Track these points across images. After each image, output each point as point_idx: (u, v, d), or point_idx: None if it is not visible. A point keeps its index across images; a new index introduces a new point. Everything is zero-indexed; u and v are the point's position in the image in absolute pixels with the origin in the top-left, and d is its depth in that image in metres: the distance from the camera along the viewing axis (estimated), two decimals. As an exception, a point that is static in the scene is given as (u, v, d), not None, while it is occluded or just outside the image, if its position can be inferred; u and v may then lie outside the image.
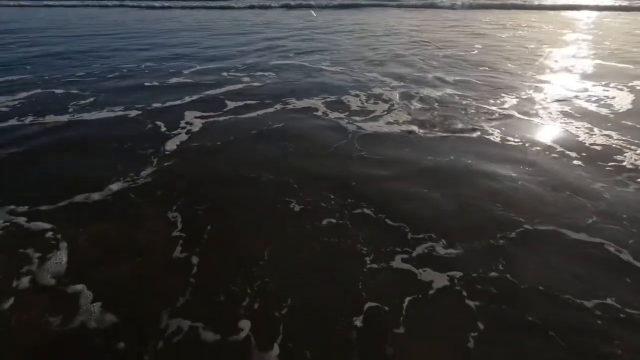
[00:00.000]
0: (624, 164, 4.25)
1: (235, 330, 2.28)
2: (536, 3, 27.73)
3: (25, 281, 2.63)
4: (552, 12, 24.03)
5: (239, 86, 7.31)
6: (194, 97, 6.59)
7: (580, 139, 4.89)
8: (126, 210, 3.44)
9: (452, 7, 28.14)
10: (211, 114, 5.83)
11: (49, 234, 3.11)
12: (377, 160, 4.39)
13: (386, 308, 2.44)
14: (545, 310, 2.42)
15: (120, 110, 5.93)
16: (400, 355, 2.17)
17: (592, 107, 6.11)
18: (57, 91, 6.91)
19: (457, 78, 7.88)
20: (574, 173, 4.03)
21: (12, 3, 38.64)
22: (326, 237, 3.08)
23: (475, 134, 5.07)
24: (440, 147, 4.72)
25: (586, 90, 7.05)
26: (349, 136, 5.02)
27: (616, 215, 3.33)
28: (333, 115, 5.82)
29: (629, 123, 5.39)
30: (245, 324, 2.31)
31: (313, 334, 2.29)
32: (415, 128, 5.29)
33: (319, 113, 5.92)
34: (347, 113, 5.88)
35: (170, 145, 4.74)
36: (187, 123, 5.45)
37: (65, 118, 5.62)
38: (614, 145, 4.69)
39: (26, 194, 3.68)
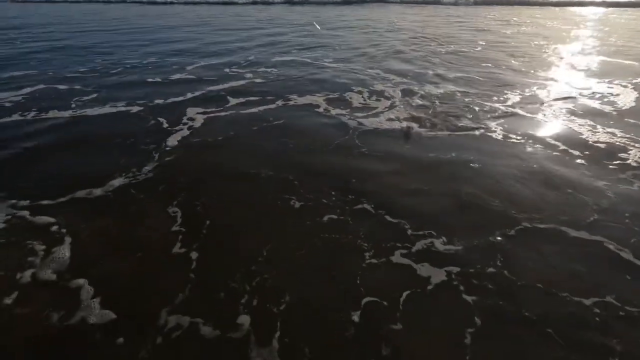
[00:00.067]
0: (628, 161, 4.22)
1: (234, 326, 2.29)
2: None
3: (26, 275, 2.66)
4: (557, 9, 23.81)
5: (241, 82, 7.31)
6: (196, 93, 6.60)
7: (584, 136, 4.86)
8: (128, 206, 3.46)
9: (456, 3, 27.94)
10: (213, 109, 5.84)
11: (51, 229, 3.14)
12: (378, 156, 4.38)
13: (385, 303, 2.45)
14: (543, 307, 2.42)
15: (122, 106, 5.95)
16: (398, 349, 2.18)
17: (596, 104, 6.07)
18: (60, 87, 6.94)
19: (459, 75, 7.84)
20: (576, 171, 4.01)
21: (15, -2, 38.70)
22: (327, 234, 3.09)
23: (477, 131, 5.05)
24: (441, 144, 4.71)
25: (590, 87, 7.00)
26: (350, 132, 5.02)
27: (618, 214, 3.31)
28: (334, 111, 5.81)
29: (633, 120, 5.35)
30: (244, 320, 2.33)
31: (312, 330, 2.30)
32: (416, 125, 5.27)
33: (321, 109, 5.91)
34: (348, 109, 5.87)
35: (172, 141, 4.76)
36: (189, 119, 5.46)
37: (68, 114, 5.64)
38: (617, 143, 4.66)
39: (28, 189, 3.70)
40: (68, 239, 3.01)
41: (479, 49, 10.50)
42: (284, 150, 4.58)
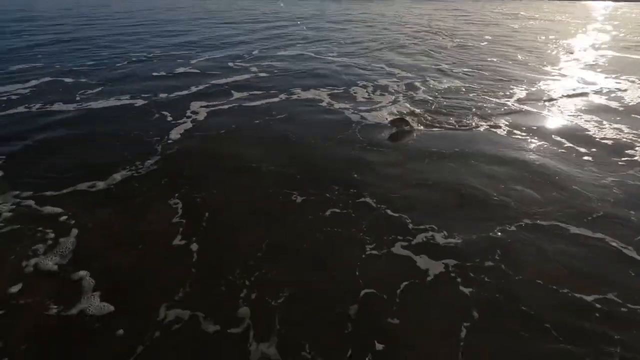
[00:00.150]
0: (635, 158, 4.18)
1: (234, 320, 2.31)
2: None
3: (29, 265, 2.70)
4: (566, 2, 23.42)
5: (245, 76, 7.31)
6: (200, 87, 6.61)
7: (590, 132, 4.81)
8: (130, 199, 3.49)
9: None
10: (216, 103, 5.85)
11: (55, 220, 3.18)
12: (380, 151, 4.38)
13: (385, 296, 2.46)
14: (542, 302, 2.42)
15: (126, 99, 5.98)
16: (395, 341, 2.19)
17: (603, 100, 5.99)
18: (66, 79, 6.99)
19: (464, 69, 7.77)
20: (582, 168, 3.97)
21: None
22: (329, 227, 3.10)
23: (481, 126, 5.02)
24: (444, 139, 4.69)
25: (597, 82, 6.91)
26: (352, 127, 5.01)
27: (624, 211, 3.29)
28: (338, 105, 5.79)
29: (640, 117, 5.29)
30: (244, 313, 2.34)
31: (312, 323, 2.32)
32: (420, 120, 5.24)
33: (324, 103, 5.90)
34: (352, 104, 5.85)
35: (175, 134, 4.78)
36: (192, 112, 5.48)
37: (73, 107, 5.69)
38: (624, 139, 4.61)
39: (33, 180, 3.75)
40: (71, 231, 3.05)
41: (485, 43, 10.38)
42: (287, 144, 4.58)
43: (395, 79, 7.11)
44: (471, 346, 2.16)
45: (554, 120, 5.24)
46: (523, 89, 6.54)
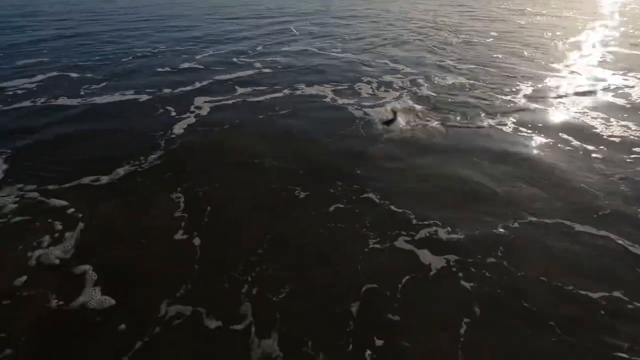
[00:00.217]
0: (643, 155, 4.14)
1: (236, 316, 2.31)
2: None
3: (32, 258, 2.72)
4: (574, -2, 23.08)
5: (249, 72, 7.29)
6: (204, 83, 6.60)
7: (597, 130, 4.76)
8: (133, 194, 3.51)
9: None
10: (220, 98, 5.85)
11: (58, 214, 3.21)
12: (384, 147, 4.36)
13: (387, 292, 2.47)
14: (546, 300, 2.41)
15: (131, 95, 5.99)
16: (396, 336, 2.20)
17: (610, 96, 5.92)
18: (72, 74, 7.01)
19: (470, 66, 7.71)
20: (589, 165, 3.93)
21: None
22: (332, 223, 3.11)
23: (486, 123, 4.98)
24: (449, 135, 4.66)
25: (604, 79, 6.82)
26: (356, 123, 4.99)
27: (631, 208, 3.26)
28: (341, 101, 5.77)
29: (648, 114, 5.22)
30: (246, 309, 2.34)
31: (314, 317, 2.33)
32: (424, 116, 5.21)
33: (328, 99, 5.88)
34: (355, 100, 5.83)
35: (179, 129, 4.79)
36: (196, 107, 5.48)
37: (77, 102, 5.71)
38: (632, 137, 4.56)
39: (36, 174, 3.78)
40: (74, 224, 3.08)
41: (491, 39, 10.28)
42: (290, 139, 4.58)
43: (399, 75, 7.07)
44: (472, 342, 2.16)
45: (560, 117, 5.19)
46: (529, 85, 6.48)
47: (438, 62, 7.96)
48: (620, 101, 5.73)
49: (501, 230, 3.00)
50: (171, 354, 2.11)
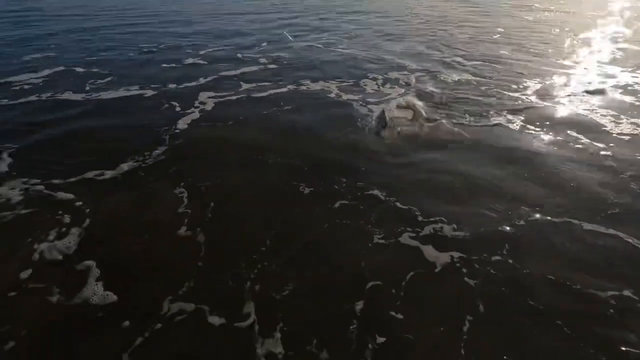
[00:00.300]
0: (655, 153, 4.07)
1: (239, 314, 2.30)
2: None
3: (35, 253, 2.73)
4: (583, -6, 22.72)
5: (254, 67, 7.27)
6: (209, 78, 6.59)
7: (607, 128, 4.68)
8: (137, 189, 3.51)
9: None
10: (224, 94, 5.84)
11: (61, 209, 3.21)
12: (388, 144, 4.33)
13: (393, 290, 2.45)
14: (552, 298, 2.38)
15: (136, 90, 5.99)
16: (400, 332, 2.18)
17: (619, 94, 5.83)
18: (78, 69, 7.02)
19: (476, 62, 7.62)
20: (598, 163, 3.87)
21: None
22: (337, 219, 3.09)
23: (493, 120, 4.93)
24: (455, 132, 4.61)
25: (614, 76, 6.72)
26: (361, 119, 4.96)
27: (642, 207, 3.20)
28: (346, 97, 5.74)
29: (658, 111, 5.14)
30: (249, 307, 2.33)
31: (317, 314, 2.32)
32: (430, 113, 5.16)
33: (332, 95, 5.84)
34: (360, 96, 5.79)
35: (183, 125, 4.79)
36: (200, 103, 5.48)
37: (83, 97, 5.72)
38: (641, 135, 4.49)
39: (40, 169, 3.79)
40: (78, 219, 3.08)
41: (498, 35, 10.15)
42: (294, 135, 4.56)
43: (405, 72, 7.00)
44: (476, 339, 2.14)
45: (568, 114, 5.12)
46: (537, 82, 6.40)
47: (444, 59, 7.88)
48: (630, 98, 5.64)
49: (507, 227, 2.96)
50: (173, 350, 2.11)
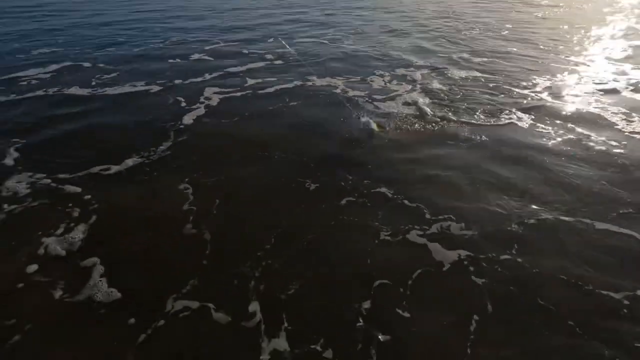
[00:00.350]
0: (668, 152, 3.98)
1: (244, 312, 2.28)
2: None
3: (40, 249, 2.72)
4: (594, -10, 22.36)
5: (260, 63, 7.23)
6: (215, 74, 6.57)
7: (619, 126, 4.59)
8: (142, 185, 3.50)
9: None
10: (230, 90, 5.81)
11: (66, 205, 3.20)
12: (394, 141, 4.28)
13: (401, 289, 2.42)
14: (563, 298, 2.34)
15: (141, 85, 5.99)
16: (407, 331, 2.16)
17: (630, 91, 5.71)
18: (85, 64, 7.04)
19: (484, 58, 7.52)
20: (610, 162, 3.79)
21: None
22: (344, 216, 3.06)
23: (502, 119, 4.85)
24: (463, 130, 4.55)
25: (625, 73, 6.60)
26: (368, 116, 4.90)
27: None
28: (353, 93, 5.69)
29: (671, 109, 5.03)
30: (254, 306, 2.31)
31: (323, 312, 2.30)
32: (436, 111, 5.10)
33: (338, 91, 5.80)
34: (367, 92, 5.74)
35: (188, 120, 4.77)
36: (206, 98, 5.46)
37: (89, 92, 5.73)
38: (654, 133, 4.39)
39: (46, 163, 3.80)
40: (83, 215, 3.08)
41: (506, 32, 10.02)
42: (300, 131, 4.53)
43: (412, 68, 6.93)
44: (484, 338, 2.11)
45: (579, 112, 5.03)
46: (546, 79, 6.30)
47: (451, 55, 7.78)
48: (642, 96, 5.53)
49: (516, 226, 2.91)
50: (178, 348, 2.10)
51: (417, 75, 6.53)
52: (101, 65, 7.01)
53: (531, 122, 4.73)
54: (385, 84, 6.15)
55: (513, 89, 5.84)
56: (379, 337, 2.14)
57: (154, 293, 2.41)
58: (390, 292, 2.40)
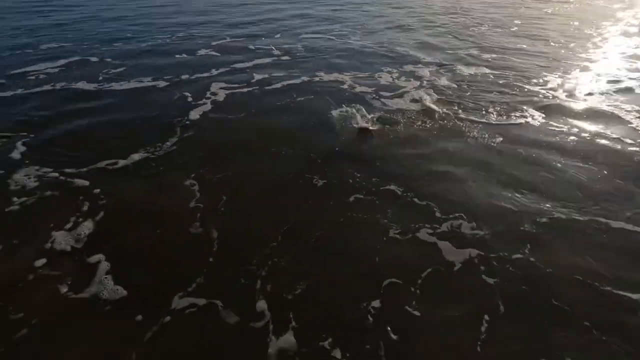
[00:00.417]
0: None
1: (252, 311, 2.25)
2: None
3: (46, 244, 2.71)
4: (605, -14, 21.98)
5: (267, 59, 7.19)
6: (221, 69, 6.54)
7: (633, 124, 4.49)
8: (148, 181, 3.48)
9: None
10: (236, 85, 5.78)
11: (72, 201, 3.19)
12: (402, 138, 4.23)
13: (407, 286, 2.38)
14: (578, 298, 2.28)
15: (148, 80, 5.98)
16: (417, 330, 2.12)
17: (644, 89, 5.61)
18: (92, 59, 7.04)
19: (493, 55, 7.41)
20: (625, 161, 3.71)
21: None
22: (353, 213, 3.02)
23: (512, 116, 4.77)
24: (473, 129, 4.47)
25: (638, 70, 6.47)
26: (376, 113, 4.85)
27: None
28: (360, 89, 5.63)
29: (686, 107, 4.92)
30: (262, 305, 2.28)
31: (332, 310, 2.27)
32: (445, 108, 5.03)
33: (346, 86, 5.75)
34: (374, 89, 5.68)
35: (195, 115, 4.75)
36: (212, 94, 5.43)
37: (96, 87, 5.73)
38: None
39: (53, 157, 3.79)
40: (89, 211, 3.06)
41: (515, 28, 9.87)
42: (307, 127, 4.49)
43: (420, 65, 6.85)
44: (495, 338, 2.08)
45: (592, 110, 4.93)
46: (557, 76, 6.19)
47: (460, 51, 7.68)
48: (656, 93, 5.42)
49: (528, 225, 2.86)
50: (183, 346, 2.08)
51: (425, 71, 6.45)
52: (108, 60, 7.01)
53: (543, 119, 4.65)
54: (392, 80, 6.08)
55: (524, 86, 5.75)
56: (389, 336, 2.11)
57: (160, 290, 2.39)
58: (399, 291, 2.37)
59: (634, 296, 2.29)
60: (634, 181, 3.38)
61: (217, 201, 3.17)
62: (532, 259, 2.58)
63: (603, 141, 4.09)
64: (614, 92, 5.51)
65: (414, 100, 5.24)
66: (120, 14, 11.62)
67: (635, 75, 6.22)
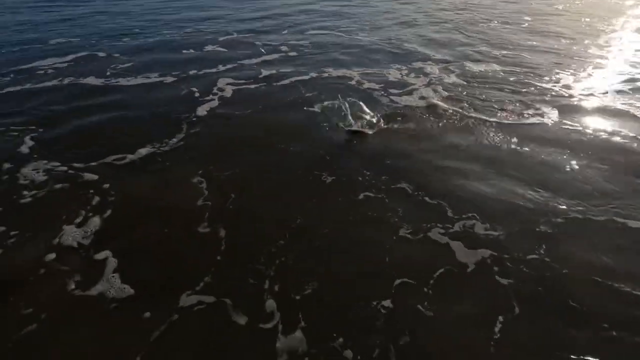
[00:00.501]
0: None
1: (259, 307, 2.22)
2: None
3: (52, 240, 2.70)
4: (617, -18, 21.59)
5: (274, 55, 7.14)
6: (229, 66, 6.50)
7: (648, 122, 4.40)
8: (155, 177, 3.46)
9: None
10: (244, 81, 5.74)
11: (79, 197, 3.17)
12: (412, 136, 4.16)
13: (419, 286, 2.34)
14: (595, 299, 2.23)
15: (155, 76, 5.96)
16: (429, 330, 2.08)
17: (660, 86, 5.48)
18: (100, 54, 7.04)
19: (503, 51, 7.30)
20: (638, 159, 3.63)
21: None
22: (363, 211, 2.98)
23: (524, 114, 4.68)
24: (485, 127, 4.39)
25: (653, 67, 6.33)
26: (384, 110, 4.79)
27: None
28: (368, 86, 5.57)
29: None
30: (271, 304, 2.25)
31: (342, 310, 2.23)
32: (455, 106, 4.96)
33: (353, 82, 5.68)
34: (382, 85, 5.61)
35: (202, 112, 4.72)
36: (219, 90, 5.40)
37: (104, 82, 5.72)
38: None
39: (61, 152, 3.78)
40: (96, 208, 3.04)
41: (525, 25, 9.72)
42: (315, 124, 4.44)
43: (429, 62, 6.76)
44: (509, 340, 2.03)
45: (605, 108, 4.83)
46: (569, 73, 6.08)
47: (469, 48, 7.57)
48: (672, 91, 5.29)
49: (543, 225, 2.79)
50: (191, 344, 2.05)
51: (434, 68, 6.37)
52: (116, 55, 7.00)
53: (557, 117, 4.55)
54: (401, 77, 6.01)
55: (536, 83, 5.65)
56: (399, 336, 2.07)
57: (167, 287, 2.37)
58: (411, 291, 2.32)
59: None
60: (650, 180, 3.30)
61: (224, 198, 3.13)
62: (547, 259, 2.52)
63: (618, 140, 4.00)
64: (628, 89, 5.39)
65: (423, 98, 5.16)
66: (128, 9, 11.61)
67: (650, 72, 6.08)
